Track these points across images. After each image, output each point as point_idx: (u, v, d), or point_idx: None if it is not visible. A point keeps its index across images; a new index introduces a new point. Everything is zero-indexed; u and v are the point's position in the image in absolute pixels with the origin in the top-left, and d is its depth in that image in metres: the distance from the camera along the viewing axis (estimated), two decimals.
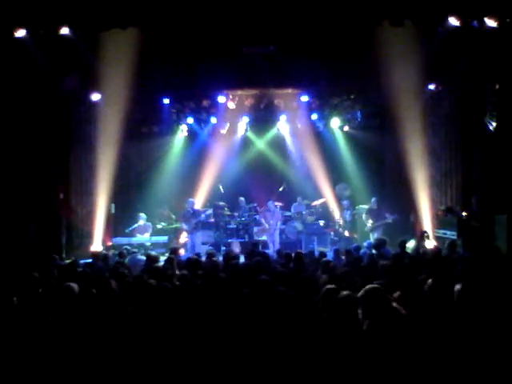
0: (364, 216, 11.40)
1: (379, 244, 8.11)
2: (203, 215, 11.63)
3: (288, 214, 12.90)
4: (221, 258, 7.90)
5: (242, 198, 12.93)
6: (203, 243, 11.91)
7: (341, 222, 12.55)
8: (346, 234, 12.34)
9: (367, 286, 3.95)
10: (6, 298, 4.50)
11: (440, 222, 10.31)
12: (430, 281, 4.68)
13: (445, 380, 3.46)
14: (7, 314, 4.26)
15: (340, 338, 3.59)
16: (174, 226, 12.54)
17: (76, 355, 3.80)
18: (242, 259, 8.12)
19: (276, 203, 12.28)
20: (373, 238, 11.01)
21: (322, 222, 12.62)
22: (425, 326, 3.82)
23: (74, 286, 4.93)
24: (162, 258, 8.58)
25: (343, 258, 7.78)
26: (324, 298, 4.13)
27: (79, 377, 3.70)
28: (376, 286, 4.04)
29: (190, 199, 11.96)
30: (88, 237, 10.96)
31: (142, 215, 12.02)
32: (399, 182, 11.69)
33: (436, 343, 3.64)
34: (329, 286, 4.30)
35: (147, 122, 12.79)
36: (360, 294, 3.88)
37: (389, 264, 6.04)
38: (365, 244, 9.01)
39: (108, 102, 10.84)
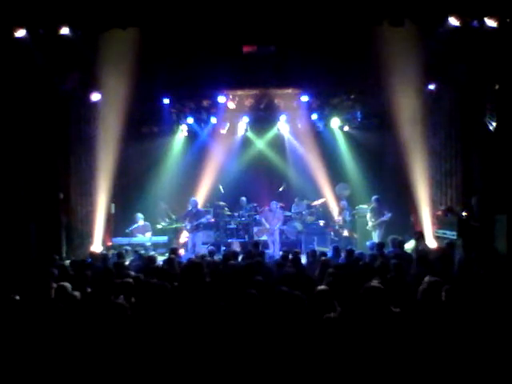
0: (368, 215, 11.42)
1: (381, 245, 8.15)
2: (204, 219, 11.60)
3: (288, 214, 12.90)
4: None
5: (243, 198, 12.93)
6: (203, 243, 11.91)
7: (340, 222, 12.55)
8: (346, 233, 12.32)
9: (367, 285, 3.96)
10: (7, 299, 4.50)
11: (440, 222, 10.31)
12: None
13: (444, 380, 3.47)
14: (7, 315, 4.26)
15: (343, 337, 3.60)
16: (174, 225, 12.54)
17: (76, 356, 3.80)
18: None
19: (278, 204, 12.26)
20: (375, 236, 11.03)
21: (322, 222, 12.62)
22: (426, 326, 3.83)
23: (68, 285, 4.94)
24: (162, 258, 8.61)
25: (342, 255, 7.79)
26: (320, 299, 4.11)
27: (79, 377, 3.70)
28: (377, 285, 4.04)
29: (193, 198, 11.96)
30: (88, 237, 10.95)
31: (140, 215, 12.02)
32: (399, 182, 11.68)
33: (438, 343, 3.65)
34: (321, 288, 4.28)
35: (147, 122, 12.78)
36: (361, 291, 3.89)
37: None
38: (368, 244, 9.04)
39: (108, 102, 10.83)
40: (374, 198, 11.46)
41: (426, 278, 4.87)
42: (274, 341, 3.69)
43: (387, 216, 11.01)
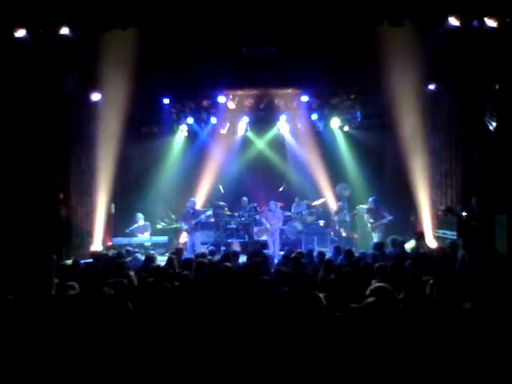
0: (365, 216, 11.42)
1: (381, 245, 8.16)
2: (203, 216, 11.61)
3: (288, 214, 12.90)
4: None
5: (244, 198, 12.94)
6: (203, 243, 11.92)
7: (335, 221, 12.50)
8: (343, 233, 12.31)
9: (375, 285, 3.96)
10: (7, 299, 4.50)
11: (440, 222, 10.31)
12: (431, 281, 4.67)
13: (446, 380, 3.47)
14: (8, 315, 4.26)
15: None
16: (174, 225, 12.55)
17: (75, 356, 3.80)
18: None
19: (278, 204, 12.27)
20: (375, 237, 11.03)
21: (322, 222, 12.62)
22: (427, 326, 3.83)
23: (75, 284, 4.94)
24: (162, 258, 8.62)
25: (343, 255, 7.79)
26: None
27: (78, 377, 3.70)
28: (383, 285, 4.04)
29: (192, 199, 11.96)
30: (88, 237, 10.94)
31: (140, 215, 12.03)
32: (399, 182, 11.68)
33: (438, 343, 3.65)
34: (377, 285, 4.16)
35: (147, 121, 12.79)
36: (367, 292, 3.88)
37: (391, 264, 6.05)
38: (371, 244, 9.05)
39: (108, 102, 10.83)
40: (371, 198, 11.42)
41: (425, 278, 4.88)
42: (277, 341, 3.69)
43: (387, 219, 10.98)
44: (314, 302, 3.93)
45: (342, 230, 12.36)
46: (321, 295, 4.04)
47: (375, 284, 4.08)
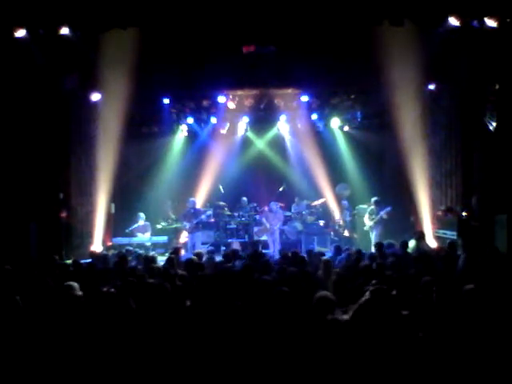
0: (366, 216, 11.38)
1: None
2: (204, 216, 11.62)
3: (288, 214, 12.90)
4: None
5: (244, 198, 12.94)
6: (203, 243, 11.92)
7: (341, 222, 12.56)
8: (346, 233, 12.33)
9: (372, 288, 3.96)
10: (8, 298, 4.50)
11: (440, 222, 10.31)
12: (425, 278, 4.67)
13: (445, 380, 3.47)
14: (9, 314, 4.26)
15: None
16: (174, 225, 12.55)
17: (77, 355, 3.80)
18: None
19: (278, 204, 12.27)
20: (372, 237, 11.01)
21: (321, 222, 12.62)
22: (426, 327, 3.83)
23: (75, 284, 4.94)
24: (162, 258, 8.61)
25: (343, 254, 7.80)
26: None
27: (79, 376, 3.70)
28: (381, 287, 4.03)
29: (191, 198, 11.97)
30: (88, 237, 10.94)
31: (142, 215, 12.03)
32: (399, 182, 11.68)
33: (437, 343, 3.65)
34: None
35: (147, 121, 12.78)
36: (366, 295, 3.88)
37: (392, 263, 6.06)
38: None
39: (108, 102, 10.83)
40: (373, 200, 11.38)
41: (426, 278, 4.87)
42: (279, 342, 3.69)
43: (386, 210, 10.86)
44: (325, 303, 3.91)
45: (342, 230, 12.36)
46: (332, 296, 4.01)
47: (374, 286, 4.08)
